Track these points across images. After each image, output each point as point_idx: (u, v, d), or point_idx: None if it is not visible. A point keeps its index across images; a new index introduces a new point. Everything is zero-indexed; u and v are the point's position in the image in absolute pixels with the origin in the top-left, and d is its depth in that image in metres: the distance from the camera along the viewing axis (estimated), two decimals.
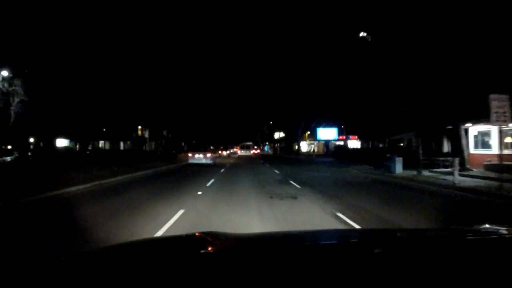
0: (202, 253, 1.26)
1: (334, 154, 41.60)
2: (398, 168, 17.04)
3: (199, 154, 21.97)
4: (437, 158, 19.53)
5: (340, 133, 45.37)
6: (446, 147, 20.76)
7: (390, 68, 19.83)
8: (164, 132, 49.63)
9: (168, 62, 37.74)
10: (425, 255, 1.19)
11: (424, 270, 1.02)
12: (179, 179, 13.72)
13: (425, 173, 15.95)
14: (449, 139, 21.08)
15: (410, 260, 1.13)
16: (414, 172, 16.36)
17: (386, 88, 20.93)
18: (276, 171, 18.46)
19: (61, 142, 48.90)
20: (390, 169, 17.20)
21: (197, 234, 1.52)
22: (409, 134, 21.24)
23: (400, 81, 18.58)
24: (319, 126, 44.77)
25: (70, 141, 50.77)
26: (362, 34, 19.36)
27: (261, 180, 13.01)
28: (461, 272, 1.00)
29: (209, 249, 1.40)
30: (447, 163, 19.11)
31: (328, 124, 44.88)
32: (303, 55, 42.58)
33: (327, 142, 48.04)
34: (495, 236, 1.53)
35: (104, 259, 1.21)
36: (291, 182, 12.24)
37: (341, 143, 54.09)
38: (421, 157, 15.84)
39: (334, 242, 1.67)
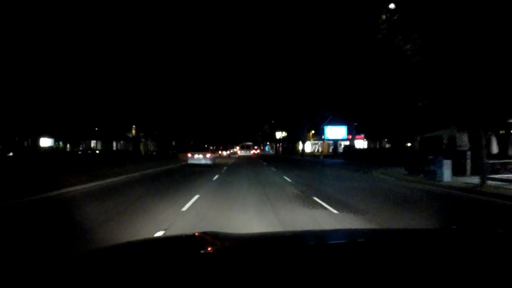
0: (201, 253, 1.27)
1: (344, 155, 37.32)
2: (447, 175, 12.97)
3: (198, 154, 21.19)
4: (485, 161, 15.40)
5: (349, 132, 41.24)
6: (495, 147, 16.67)
7: (422, 49, 15.88)
8: (157, 132, 46.21)
9: (166, 58, 32.92)
10: (426, 255, 1.17)
11: (425, 270, 1.00)
12: (153, 191, 9.58)
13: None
14: (499, 137, 17.01)
15: (411, 260, 1.11)
16: (469, 180, 12.35)
17: (414, 75, 16.88)
18: (286, 178, 14.27)
19: (46, 142, 45.35)
20: (434, 175, 13.13)
21: (196, 234, 1.53)
22: (449, 130, 17.12)
23: (436, 63, 14.51)
24: (326, 125, 40.59)
25: (57, 141, 47.09)
26: (391, 5, 15.27)
27: (270, 196, 8.70)
28: (461, 272, 0.98)
29: (209, 249, 1.39)
30: (498, 167, 15.13)
31: (335, 122, 40.78)
32: (306, 50, 38.47)
33: (335, 142, 43.88)
34: (495, 236, 1.51)
35: (103, 259, 1.18)
36: (318, 200, 7.97)
37: (347, 142, 50.35)
38: (485, 160, 11.66)
39: (335, 242, 1.60)
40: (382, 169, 18.22)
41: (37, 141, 38.15)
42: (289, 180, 13.26)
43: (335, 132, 40.81)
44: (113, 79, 29.48)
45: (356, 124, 42.22)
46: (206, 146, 29.56)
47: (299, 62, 39.89)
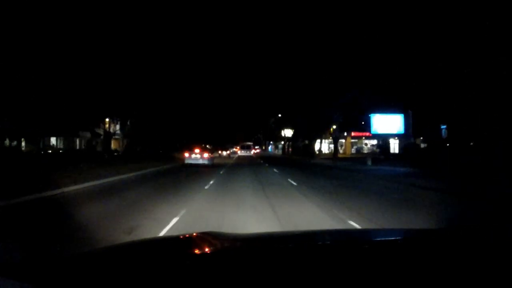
0: (200, 253, 1.26)
1: (409, 160, 22.91)
2: None
3: (196, 154, 21.70)
4: None
5: (405, 123, 27.31)
6: None
7: None
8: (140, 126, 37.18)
9: (158, 45, 26.37)
10: (425, 255, 1.15)
11: (424, 269, 0.99)
12: None
13: None
14: None
15: (409, 259, 1.10)
16: None
17: None
18: None
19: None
20: None
21: (195, 234, 1.52)
22: None
23: None
24: (372, 113, 26.80)
25: None
26: None
27: None
28: (460, 272, 0.97)
29: (207, 249, 1.37)
30: None
31: (382, 108, 27.15)
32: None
33: (386, 139, 29.98)
34: (494, 235, 1.46)
35: (103, 259, 1.17)
36: None
37: (373, 141, 36.60)
38: None
39: (334, 242, 1.59)
40: None
41: None
42: None
43: (386, 124, 26.94)
44: (86, 61, 21.72)
45: (411, 112, 28.50)
46: (203, 145, 28.66)
47: (315, 29, 26.38)
